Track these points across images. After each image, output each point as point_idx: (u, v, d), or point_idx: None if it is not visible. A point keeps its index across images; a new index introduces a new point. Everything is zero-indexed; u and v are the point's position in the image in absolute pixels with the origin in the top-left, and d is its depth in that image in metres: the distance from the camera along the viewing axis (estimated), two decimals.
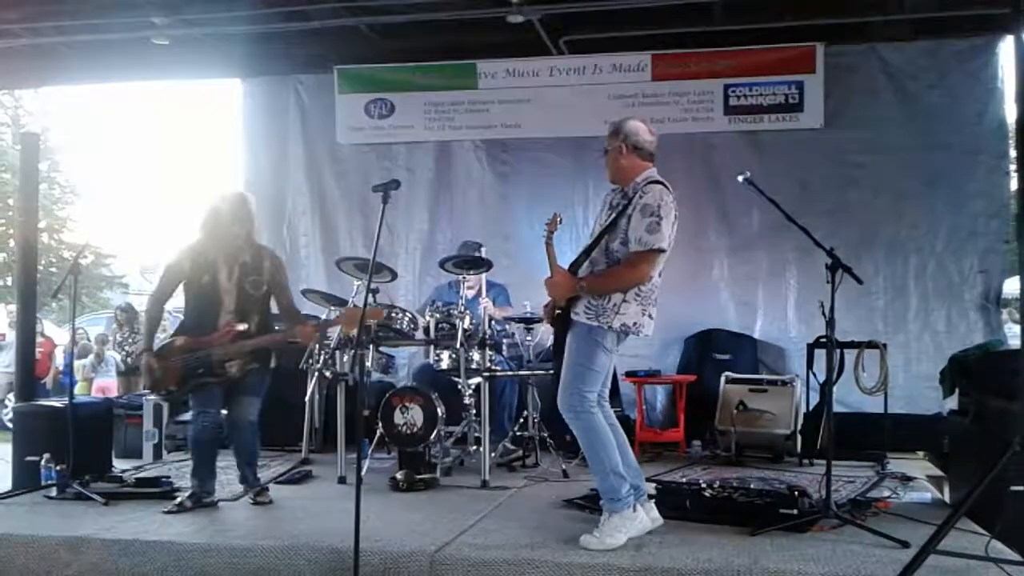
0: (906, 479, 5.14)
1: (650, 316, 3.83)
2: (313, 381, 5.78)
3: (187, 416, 6.67)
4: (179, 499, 4.52)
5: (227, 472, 5.52)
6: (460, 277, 5.51)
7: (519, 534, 3.93)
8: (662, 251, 3.71)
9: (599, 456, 3.75)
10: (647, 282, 3.77)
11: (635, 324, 3.77)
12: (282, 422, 6.11)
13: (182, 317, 4.79)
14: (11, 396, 9.00)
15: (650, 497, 3.97)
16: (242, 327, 4.50)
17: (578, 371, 3.76)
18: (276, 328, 4.69)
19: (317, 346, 5.63)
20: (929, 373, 6.33)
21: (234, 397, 4.63)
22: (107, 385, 11.36)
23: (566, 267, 3.93)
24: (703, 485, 4.36)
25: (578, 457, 5.39)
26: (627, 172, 3.87)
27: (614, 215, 3.81)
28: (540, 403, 5.71)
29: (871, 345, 5.58)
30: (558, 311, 3.84)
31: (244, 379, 4.58)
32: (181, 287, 4.70)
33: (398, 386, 5.94)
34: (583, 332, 3.77)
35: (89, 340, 12.45)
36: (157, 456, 6.26)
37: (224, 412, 4.70)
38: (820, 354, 5.24)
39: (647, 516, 3.82)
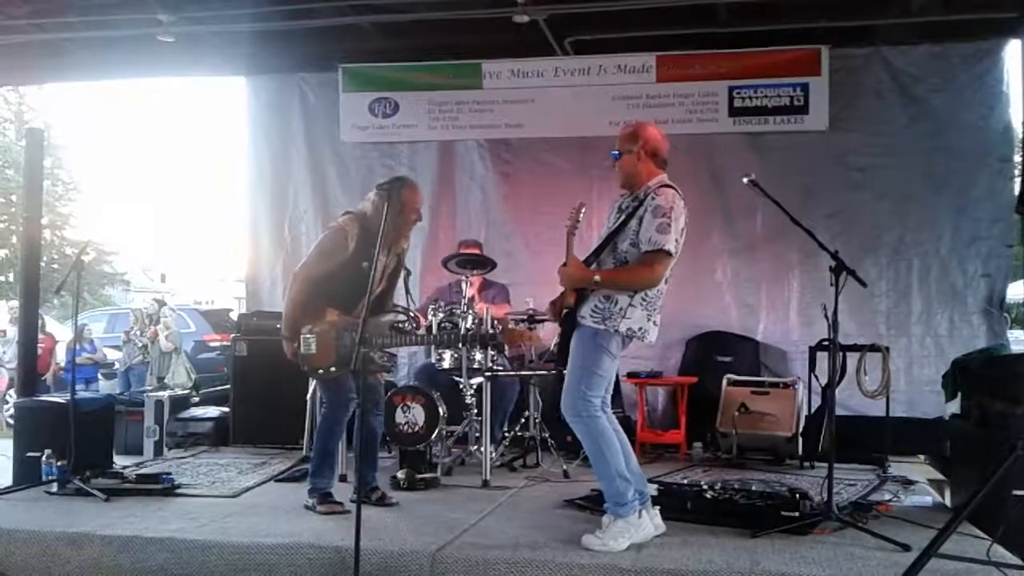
0: (907, 483, 5.14)
1: (655, 323, 3.83)
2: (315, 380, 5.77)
3: (190, 413, 6.73)
4: (382, 496, 4.55)
5: (228, 469, 5.54)
6: (463, 276, 5.51)
7: (520, 534, 3.93)
8: (669, 254, 3.69)
9: (605, 459, 3.73)
10: (657, 284, 3.76)
11: (640, 329, 3.76)
12: (283, 420, 6.12)
13: (316, 290, 4.40)
14: (12, 392, 9.02)
15: (653, 501, 3.96)
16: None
17: (583, 375, 3.75)
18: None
19: None
20: (931, 377, 6.34)
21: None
22: None
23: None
24: (704, 487, 4.36)
25: (579, 458, 5.38)
26: (641, 177, 3.85)
27: (623, 217, 3.81)
28: (542, 403, 5.71)
29: (873, 348, 5.58)
30: (565, 310, 3.83)
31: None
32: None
33: (399, 385, 5.94)
34: (589, 335, 3.76)
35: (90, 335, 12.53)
36: (158, 453, 6.26)
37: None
38: (822, 357, 5.26)
39: (651, 522, 3.81)
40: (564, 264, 3.78)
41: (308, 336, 4.36)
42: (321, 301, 4.40)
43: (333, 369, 4.36)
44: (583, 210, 3.88)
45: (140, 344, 11.03)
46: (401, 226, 4.38)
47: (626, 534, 3.68)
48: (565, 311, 3.82)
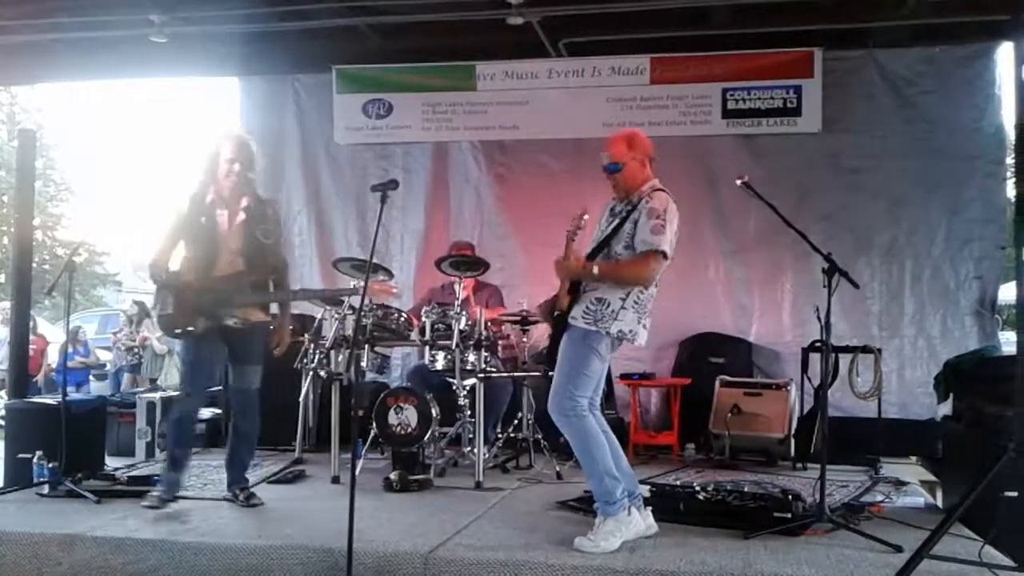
0: (899, 484, 5.16)
1: (644, 326, 3.86)
2: (307, 381, 5.77)
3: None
4: (156, 493, 4.43)
5: (220, 471, 5.51)
6: (456, 278, 5.51)
7: (513, 535, 3.93)
8: (664, 255, 3.72)
9: (593, 458, 3.75)
10: (650, 285, 3.79)
11: (631, 332, 3.79)
12: (276, 421, 6.07)
13: (180, 267, 4.60)
14: (3, 393, 8.98)
15: (646, 502, 3.97)
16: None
17: (571, 375, 3.77)
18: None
19: (312, 346, 5.63)
20: (923, 378, 6.37)
21: (236, 365, 4.58)
22: None
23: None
24: (697, 488, 4.36)
25: (572, 459, 5.37)
26: (640, 183, 3.88)
27: (617, 221, 3.84)
28: (535, 404, 5.72)
29: (866, 350, 5.60)
30: (557, 313, 3.84)
31: (248, 341, 4.51)
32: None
33: (392, 386, 5.93)
34: (579, 336, 3.78)
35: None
36: (150, 454, 6.24)
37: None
38: (815, 358, 5.28)
39: (642, 521, 3.83)
40: (563, 257, 3.81)
41: (167, 298, 4.46)
42: (185, 267, 4.50)
43: (191, 328, 4.42)
44: (585, 217, 3.91)
45: (124, 347, 11.01)
46: (219, 176, 4.47)
47: (617, 533, 3.69)
48: (557, 313, 3.84)
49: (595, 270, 3.74)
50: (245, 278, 4.47)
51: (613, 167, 3.89)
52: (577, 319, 3.79)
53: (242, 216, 4.48)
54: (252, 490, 4.68)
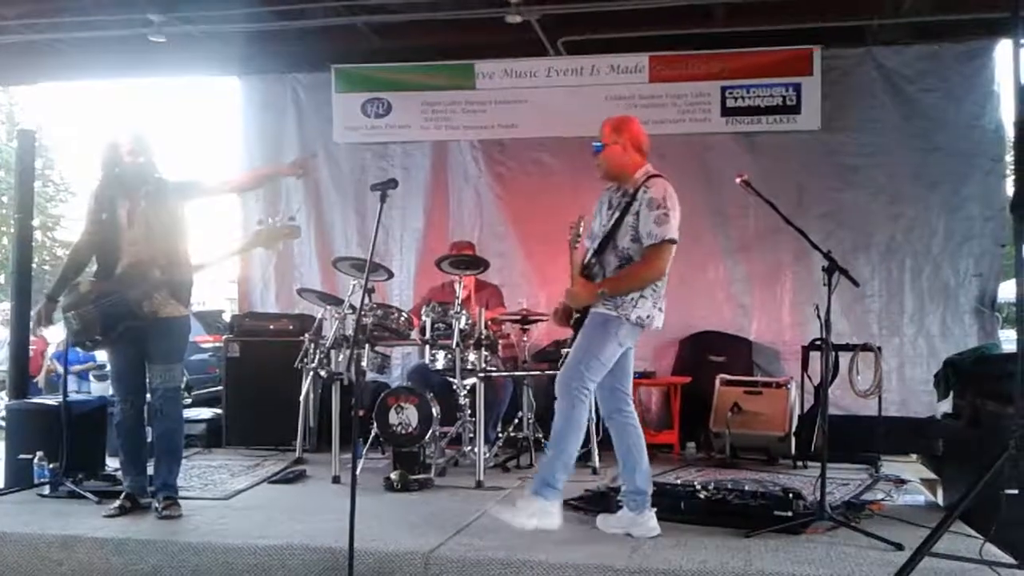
0: (900, 482, 5.15)
1: (660, 309, 3.90)
2: (308, 380, 5.77)
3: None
4: (118, 502, 4.37)
5: (220, 471, 5.53)
6: (456, 277, 5.51)
7: (513, 534, 3.90)
8: (673, 242, 3.75)
9: (565, 439, 3.77)
10: (663, 276, 3.83)
11: (648, 316, 3.83)
12: (276, 421, 6.11)
13: (89, 259, 4.58)
14: (3, 394, 8.97)
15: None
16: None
17: (586, 356, 3.79)
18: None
19: (312, 345, 5.63)
20: (923, 376, 6.37)
21: (151, 364, 4.41)
22: None
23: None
24: (697, 487, 4.37)
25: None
26: (627, 169, 3.90)
27: (618, 213, 3.84)
28: (535, 404, 5.72)
29: (866, 348, 5.59)
30: (577, 315, 3.89)
31: (162, 338, 4.38)
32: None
33: (393, 386, 5.93)
34: (599, 321, 3.81)
35: None
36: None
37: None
38: (815, 356, 5.28)
39: (648, 524, 3.85)
40: (571, 286, 3.86)
41: (69, 314, 4.42)
42: (88, 273, 4.50)
43: (99, 338, 4.39)
44: (582, 223, 3.93)
45: None
46: (127, 167, 4.43)
47: (535, 517, 3.72)
48: (577, 316, 3.88)
49: (603, 291, 3.77)
50: (142, 268, 4.34)
51: (596, 146, 3.94)
52: (598, 305, 3.82)
53: (143, 204, 4.42)
54: (177, 502, 4.40)
